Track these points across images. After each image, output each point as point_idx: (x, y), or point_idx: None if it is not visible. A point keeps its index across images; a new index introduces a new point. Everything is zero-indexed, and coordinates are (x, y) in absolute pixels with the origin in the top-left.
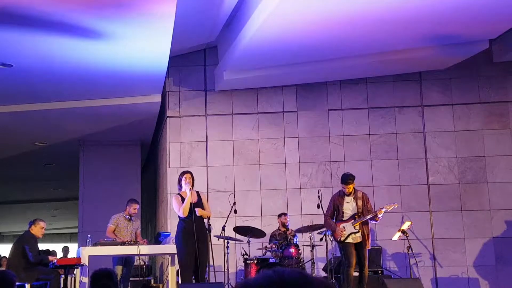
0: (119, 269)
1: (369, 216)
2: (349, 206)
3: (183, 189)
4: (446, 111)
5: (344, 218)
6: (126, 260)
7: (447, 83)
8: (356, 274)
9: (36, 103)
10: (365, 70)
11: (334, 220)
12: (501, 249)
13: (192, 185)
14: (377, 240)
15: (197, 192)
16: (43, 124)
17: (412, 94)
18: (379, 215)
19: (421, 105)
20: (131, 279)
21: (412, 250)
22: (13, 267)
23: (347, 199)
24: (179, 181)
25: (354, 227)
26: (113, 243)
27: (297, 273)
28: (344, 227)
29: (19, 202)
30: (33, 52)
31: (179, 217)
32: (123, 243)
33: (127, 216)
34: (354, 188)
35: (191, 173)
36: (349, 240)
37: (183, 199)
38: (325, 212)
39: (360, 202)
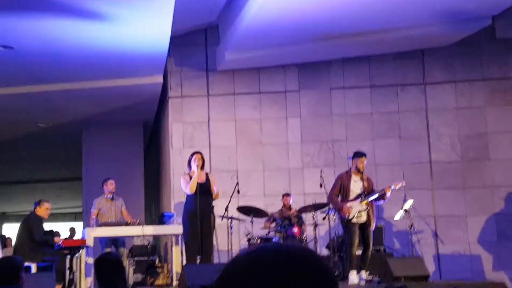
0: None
1: (377, 194)
2: (356, 185)
3: (192, 169)
4: (448, 88)
5: (351, 198)
6: (114, 241)
7: (449, 61)
8: (359, 253)
9: (38, 84)
10: (367, 48)
11: (340, 200)
12: (503, 225)
13: (202, 166)
14: (379, 218)
15: (206, 174)
16: (45, 106)
17: (414, 72)
18: (388, 193)
19: (423, 83)
20: (135, 259)
21: (414, 228)
22: (19, 248)
23: (354, 178)
24: (189, 162)
25: (362, 205)
26: (118, 223)
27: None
28: (351, 205)
29: (23, 182)
30: (34, 34)
31: (186, 196)
32: (127, 224)
33: (109, 196)
34: None
35: (201, 153)
36: (354, 220)
37: (191, 179)
38: (329, 190)
39: (366, 183)
